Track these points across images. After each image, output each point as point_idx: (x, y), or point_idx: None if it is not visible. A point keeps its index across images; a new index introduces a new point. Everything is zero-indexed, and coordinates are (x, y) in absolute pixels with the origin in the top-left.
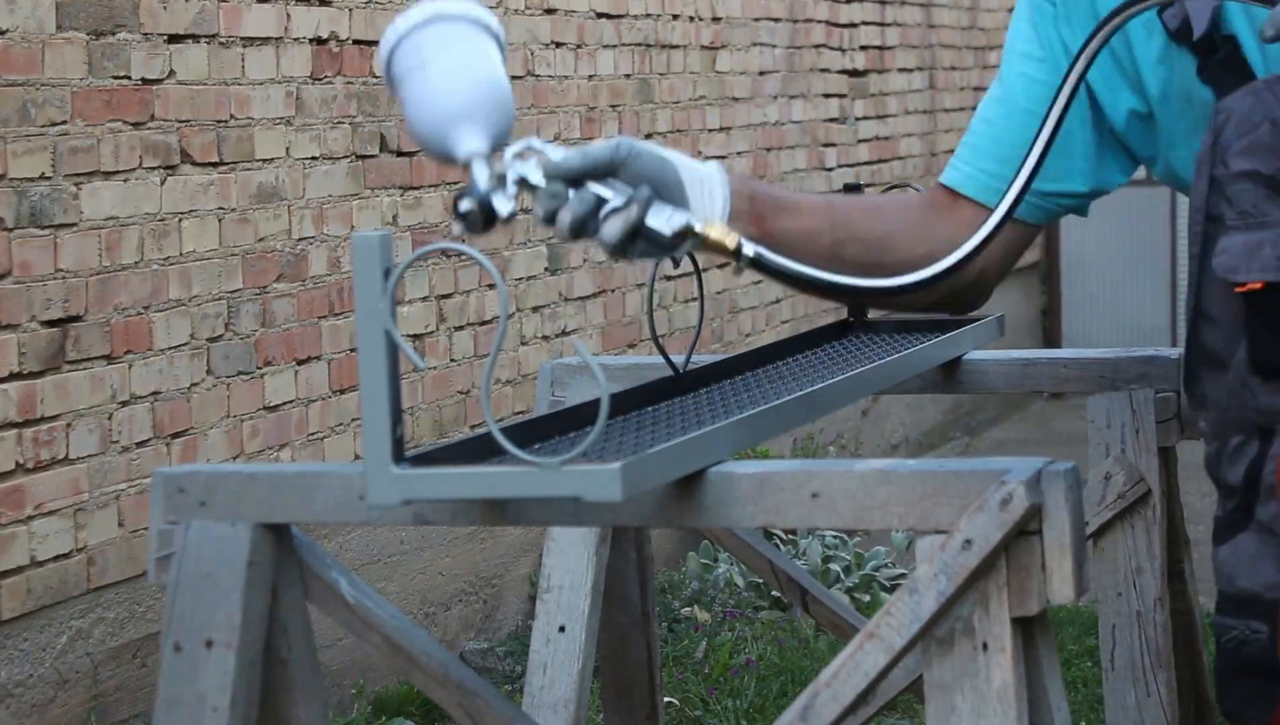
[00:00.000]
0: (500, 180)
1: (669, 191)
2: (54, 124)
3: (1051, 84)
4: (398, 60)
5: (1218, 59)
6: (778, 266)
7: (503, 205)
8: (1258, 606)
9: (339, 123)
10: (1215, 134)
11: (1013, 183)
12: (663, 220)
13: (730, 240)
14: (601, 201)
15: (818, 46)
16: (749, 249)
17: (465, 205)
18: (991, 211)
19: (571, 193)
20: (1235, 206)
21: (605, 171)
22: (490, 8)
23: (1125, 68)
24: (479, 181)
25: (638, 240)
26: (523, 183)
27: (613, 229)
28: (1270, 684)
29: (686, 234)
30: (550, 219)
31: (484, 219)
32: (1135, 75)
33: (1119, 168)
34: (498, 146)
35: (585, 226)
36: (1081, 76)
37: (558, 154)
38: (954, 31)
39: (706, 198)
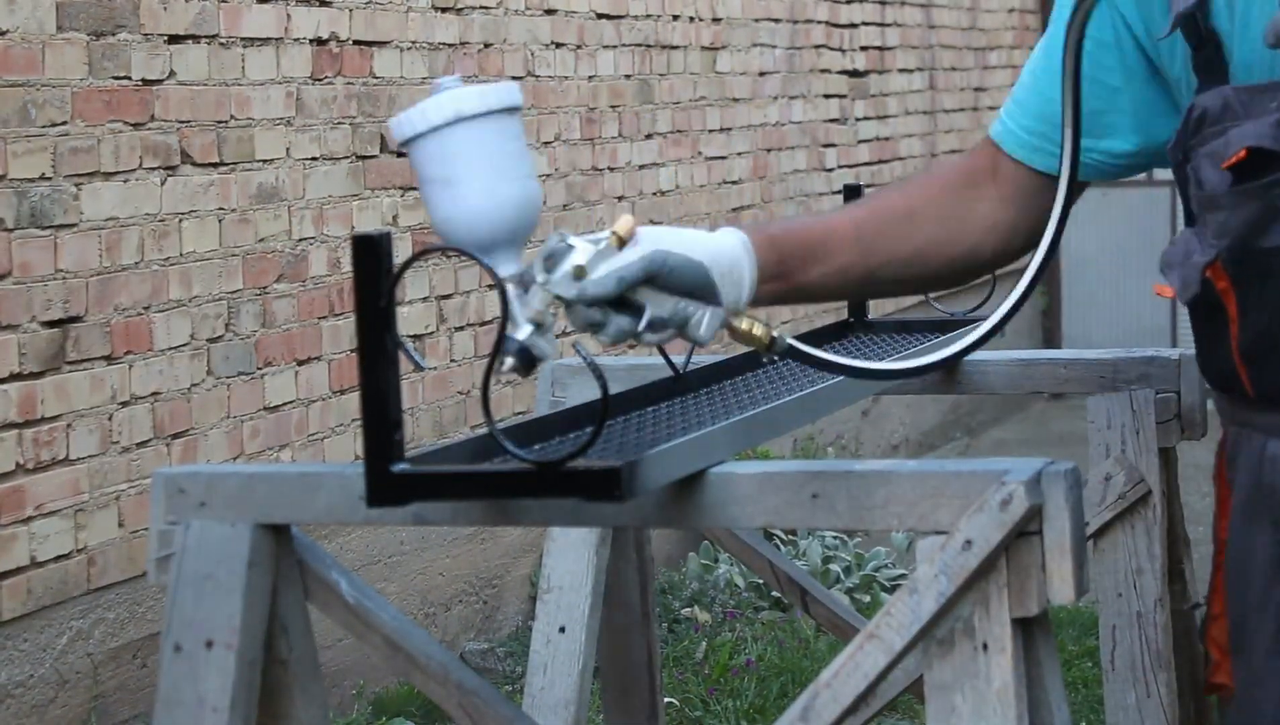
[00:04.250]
0: (538, 324)
1: (702, 292)
2: (54, 124)
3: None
4: (421, 158)
5: (1204, 55)
6: (809, 356)
7: (545, 350)
8: None
9: (339, 123)
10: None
11: (1057, 200)
12: (700, 330)
13: (762, 336)
14: (637, 314)
15: (818, 47)
16: (782, 343)
17: (509, 363)
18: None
19: (609, 312)
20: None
21: (640, 285)
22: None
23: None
24: (517, 328)
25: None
26: (558, 301)
27: (653, 339)
28: None
29: (724, 333)
30: (590, 331)
31: (526, 366)
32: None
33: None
34: (524, 242)
35: (622, 340)
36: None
37: (591, 260)
38: (954, 32)
39: (734, 286)
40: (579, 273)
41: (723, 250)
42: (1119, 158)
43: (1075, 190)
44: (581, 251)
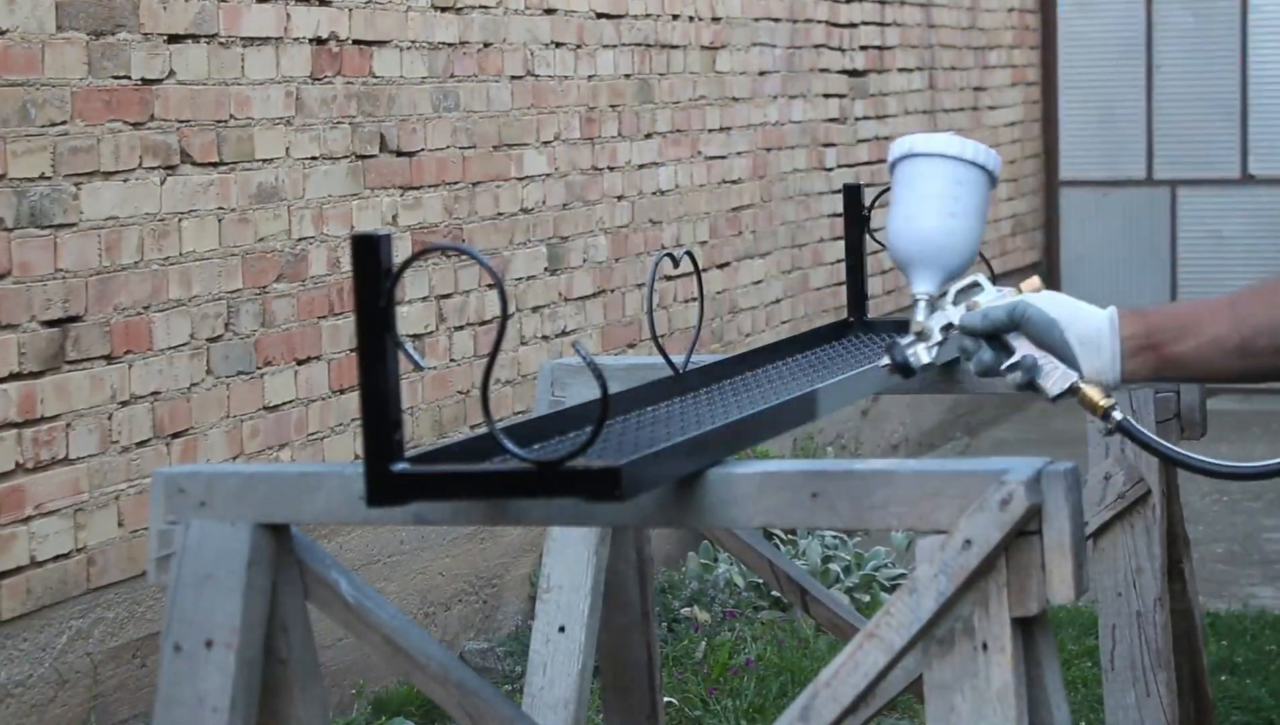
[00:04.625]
0: (923, 334)
1: (1057, 349)
2: (54, 124)
3: None
4: (894, 180)
5: None
6: (1141, 436)
7: (921, 357)
8: None
9: (339, 123)
10: None
11: None
12: (1049, 382)
13: (1102, 404)
14: (1003, 354)
15: (818, 46)
16: (1116, 415)
17: (886, 360)
18: None
19: (981, 344)
20: None
21: (1007, 330)
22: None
23: None
24: (911, 329)
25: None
26: (949, 327)
27: (1010, 379)
28: None
29: (1068, 394)
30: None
31: (903, 371)
32: None
33: None
34: (953, 277)
35: (989, 374)
36: None
37: (986, 295)
38: (954, 31)
39: (1093, 354)
40: (972, 308)
41: (1083, 316)
42: None
43: None
44: (987, 294)
